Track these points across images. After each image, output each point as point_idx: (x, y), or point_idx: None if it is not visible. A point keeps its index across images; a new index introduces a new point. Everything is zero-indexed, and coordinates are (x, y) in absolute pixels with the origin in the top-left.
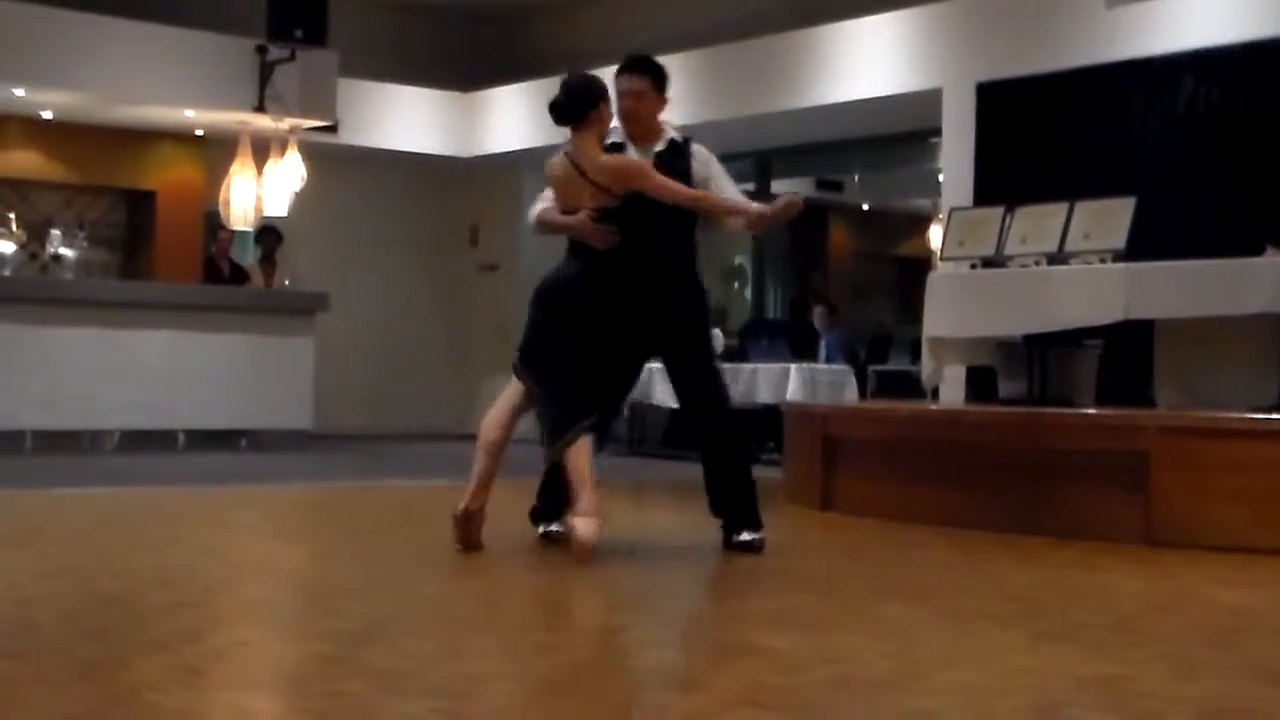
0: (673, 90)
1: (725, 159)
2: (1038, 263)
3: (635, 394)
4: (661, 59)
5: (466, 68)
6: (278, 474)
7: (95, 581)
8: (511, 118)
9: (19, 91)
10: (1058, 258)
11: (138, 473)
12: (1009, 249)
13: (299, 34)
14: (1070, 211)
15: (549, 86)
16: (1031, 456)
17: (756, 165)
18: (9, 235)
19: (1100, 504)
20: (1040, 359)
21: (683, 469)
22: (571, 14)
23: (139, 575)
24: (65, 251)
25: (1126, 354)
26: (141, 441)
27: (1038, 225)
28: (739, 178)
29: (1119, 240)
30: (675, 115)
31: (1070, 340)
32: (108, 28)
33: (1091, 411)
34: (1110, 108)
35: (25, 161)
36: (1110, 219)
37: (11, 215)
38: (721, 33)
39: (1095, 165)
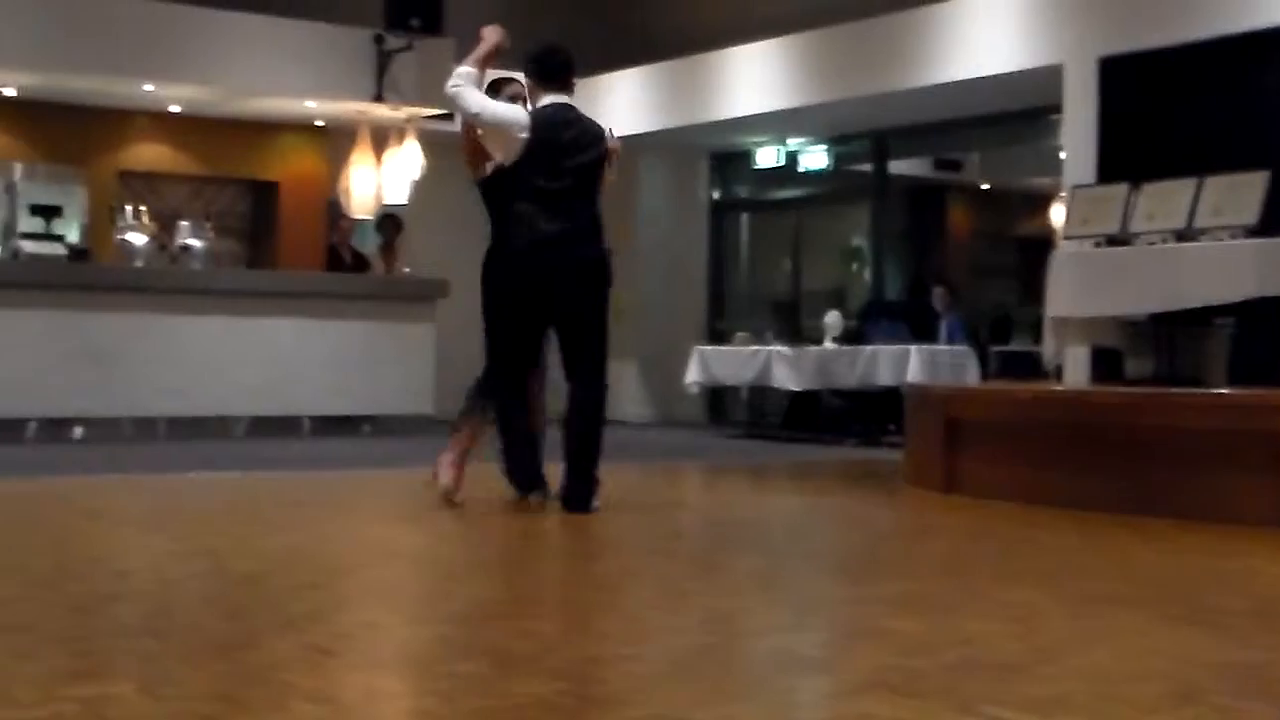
0: (789, 72)
1: (841, 139)
2: (1165, 240)
3: (754, 377)
4: (776, 40)
5: (582, 53)
6: (401, 458)
7: (228, 563)
8: (626, 103)
9: (148, 87)
10: (1186, 234)
11: (266, 458)
12: (1134, 226)
13: (415, 23)
14: (1199, 187)
15: (663, 71)
16: (1160, 438)
17: (874, 145)
18: (140, 227)
19: (1232, 486)
20: (1168, 339)
21: (802, 451)
22: None
23: (269, 557)
24: (193, 242)
25: (1260, 332)
26: (268, 427)
27: (1164, 202)
28: (855, 158)
29: (1251, 215)
30: (792, 97)
31: (1200, 319)
32: (230, 22)
33: (1223, 391)
34: (1240, 80)
35: (154, 155)
36: (1242, 194)
37: (143, 208)
38: (837, 13)
39: (1225, 139)
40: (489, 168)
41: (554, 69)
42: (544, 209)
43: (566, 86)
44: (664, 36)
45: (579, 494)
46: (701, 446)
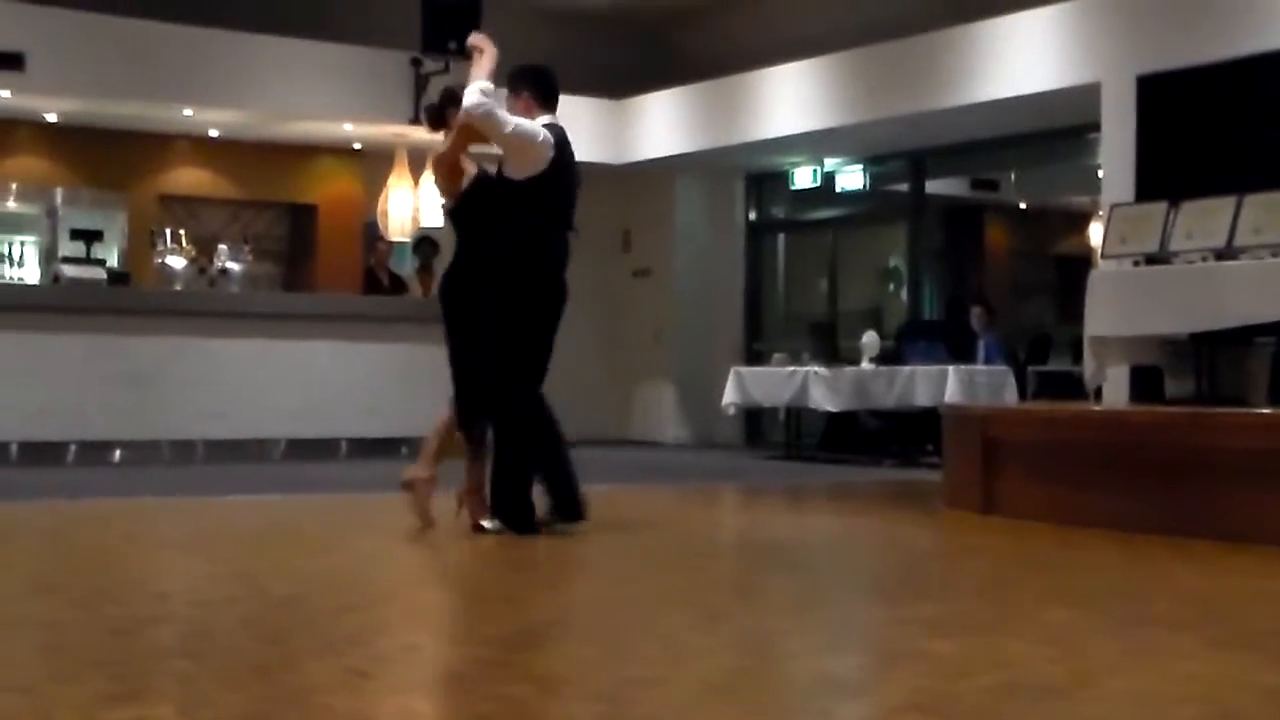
0: (825, 92)
1: (878, 159)
2: (1204, 259)
3: (791, 398)
4: (812, 60)
5: (619, 75)
6: (439, 481)
7: (266, 586)
8: (663, 124)
9: (188, 112)
10: (1226, 253)
11: (304, 480)
12: (1174, 245)
13: (453, 46)
14: (1239, 205)
15: (699, 92)
16: (1202, 458)
17: (910, 165)
18: (180, 251)
19: (1276, 507)
20: (1209, 358)
21: (840, 472)
22: (722, 19)
23: (307, 580)
24: (232, 265)
25: None
26: (306, 450)
27: (1204, 220)
28: (892, 178)
29: None
30: (828, 117)
31: (1241, 338)
32: (268, 46)
33: (1265, 411)
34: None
35: (194, 179)
36: None
37: (182, 231)
38: (873, 32)
39: (1265, 157)
40: (464, 183)
41: (552, 90)
42: (553, 228)
43: (555, 108)
44: (700, 57)
45: (579, 501)
46: (739, 468)
